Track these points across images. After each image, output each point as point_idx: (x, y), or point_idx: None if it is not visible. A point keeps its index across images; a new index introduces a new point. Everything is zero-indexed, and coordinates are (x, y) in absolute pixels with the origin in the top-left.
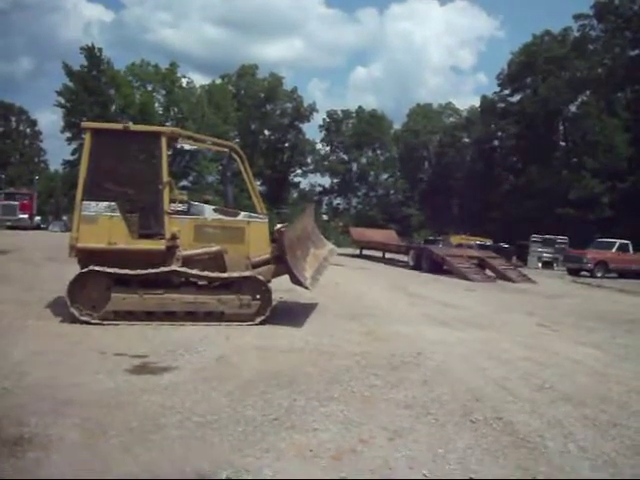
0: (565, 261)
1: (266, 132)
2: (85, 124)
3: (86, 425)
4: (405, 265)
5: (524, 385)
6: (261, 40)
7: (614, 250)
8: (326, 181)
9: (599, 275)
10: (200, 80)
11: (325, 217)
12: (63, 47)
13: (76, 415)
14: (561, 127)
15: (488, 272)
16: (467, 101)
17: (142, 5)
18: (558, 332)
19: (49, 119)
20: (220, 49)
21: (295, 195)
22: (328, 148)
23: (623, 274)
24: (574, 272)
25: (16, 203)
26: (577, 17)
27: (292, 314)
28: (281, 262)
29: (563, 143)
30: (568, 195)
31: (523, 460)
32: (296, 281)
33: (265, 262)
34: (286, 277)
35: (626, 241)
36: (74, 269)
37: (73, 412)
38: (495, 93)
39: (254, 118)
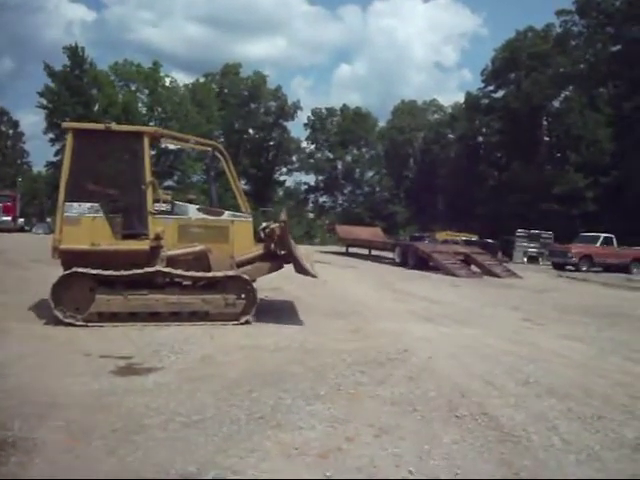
0: (550, 255)
1: (250, 131)
2: (66, 124)
3: (70, 428)
4: (391, 262)
5: (509, 380)
6: (244, 38)
7: (598, 244)
8: (311, 179)
9: (584, 269)
10: (183, 79)
11: (311, 215)
12: (45, 47)
13: (60, 418)
14: (545, 122)
15: (474, 268)
16: (451, 98)
17: (124, 4)
18: (543, 326)
19: (32, 120)
20: (203, 48)
21: (281, 193)
22: (313, 146)
23: (607, 268)
24: (559, 266)
25: None
26: (559, 13)
27: (278, 313)
28: (275, 258)
29: (547, 138)
30: (552, 190)
31: (507, 455)
32: (302, 270)
33: (250, 261)
34: (270, 276)
35: (610, 235)
36: (58, 271)
37: (57, 415)
38: (479, 89)
39: (238, 117)
